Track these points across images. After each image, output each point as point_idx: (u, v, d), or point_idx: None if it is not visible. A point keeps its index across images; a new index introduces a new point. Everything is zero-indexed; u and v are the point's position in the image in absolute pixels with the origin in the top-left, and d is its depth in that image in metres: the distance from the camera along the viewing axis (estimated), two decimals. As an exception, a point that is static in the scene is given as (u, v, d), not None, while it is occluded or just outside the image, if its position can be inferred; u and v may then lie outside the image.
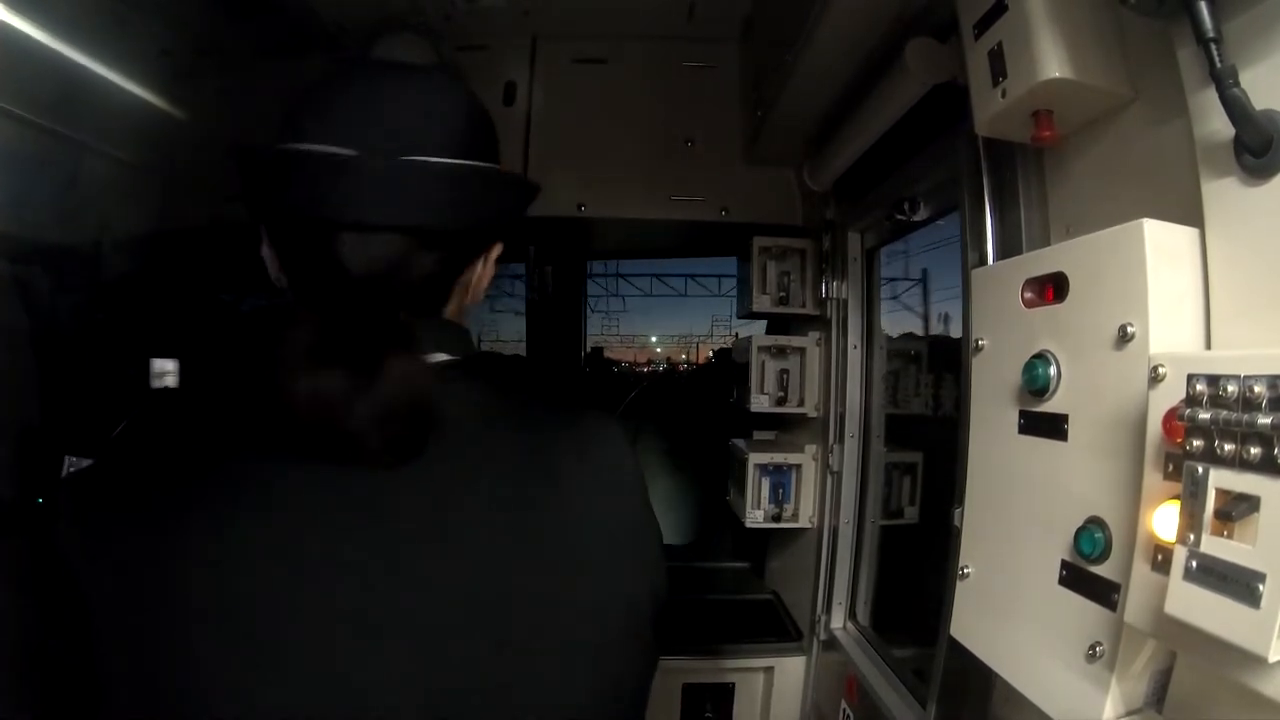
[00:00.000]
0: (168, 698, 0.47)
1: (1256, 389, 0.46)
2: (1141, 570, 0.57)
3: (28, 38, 1.38)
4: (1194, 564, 0.49)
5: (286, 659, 0.48)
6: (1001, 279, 0.79)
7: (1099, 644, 0.63)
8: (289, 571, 0.50)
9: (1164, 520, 0.54)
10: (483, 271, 0.69)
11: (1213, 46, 0.54)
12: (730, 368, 2.12)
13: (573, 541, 0.59)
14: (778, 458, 1.90)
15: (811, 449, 1.90)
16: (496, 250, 0.70)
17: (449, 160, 0.61)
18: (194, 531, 0.50)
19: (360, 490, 0.53)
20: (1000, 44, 0.79)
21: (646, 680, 0.66)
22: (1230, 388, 0.47)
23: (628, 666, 0.63)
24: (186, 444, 0.57)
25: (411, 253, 0.59)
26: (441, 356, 0.62)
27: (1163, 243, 0.60)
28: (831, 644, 1.75)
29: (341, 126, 0.58)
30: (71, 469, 1.59)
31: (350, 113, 0.59)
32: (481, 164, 0.64)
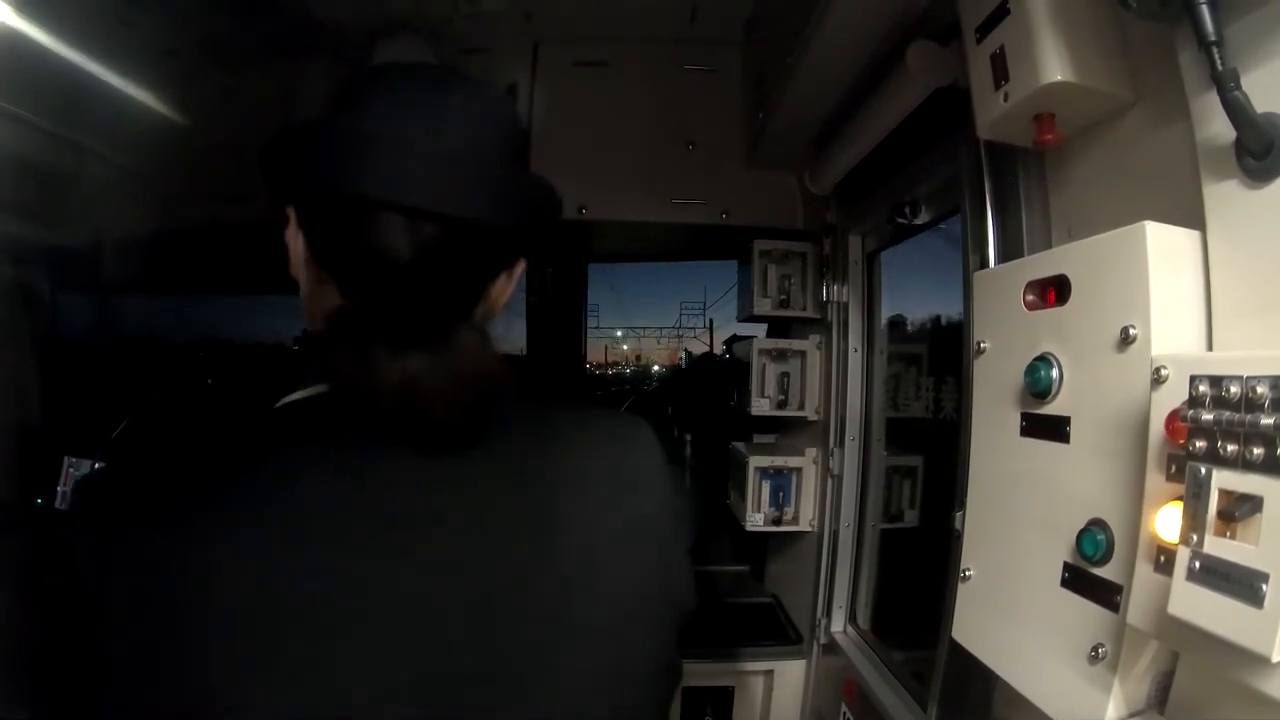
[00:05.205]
0: (176, 696, 0.47)
1: (1259, 390, 0.46)
2: (1144, 571, 0.57)
3: (30, 37, 1.39)
4: (1197, 564, 0.49)
5: (293, 659, 0.48)
6: (1003, 282, 0.79)
7: (1101, 645, 0.63)
8: (298, 572, 0.50)
9: (1166, 521, 0.54)
10: (505, 285, 0.69)
11: (1214, 50, 0.54)
12: (729, 369, 2.12)
13: (597, 549, 0.58)
14: (778, 461, 1.91)
15: (812, 452, 1.90)
16: (521, 266, 0.70)
17: (501, 162, 0.63)
18: (206, 534, 0.50)
19: (371, 491, 0.53)
20: (1002, 47, 0.80)
21: (670, 694, 0.65)
22: (1233, 389, 0.48)
23: (652, 680, 0.61)
24: (196, 447, 0.57)
25: (456, 246, 0.59)
26: None
27: (1164, 245, 0.61)
28: (832, 647, 1.75)
29: (407, 114, 0.59)
30: (72, 470, 1.59)
31: (416, 105, 0.60)
32: (526, 174, 0.66)
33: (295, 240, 0.63)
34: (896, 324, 1.87)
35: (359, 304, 0.57)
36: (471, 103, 0.62)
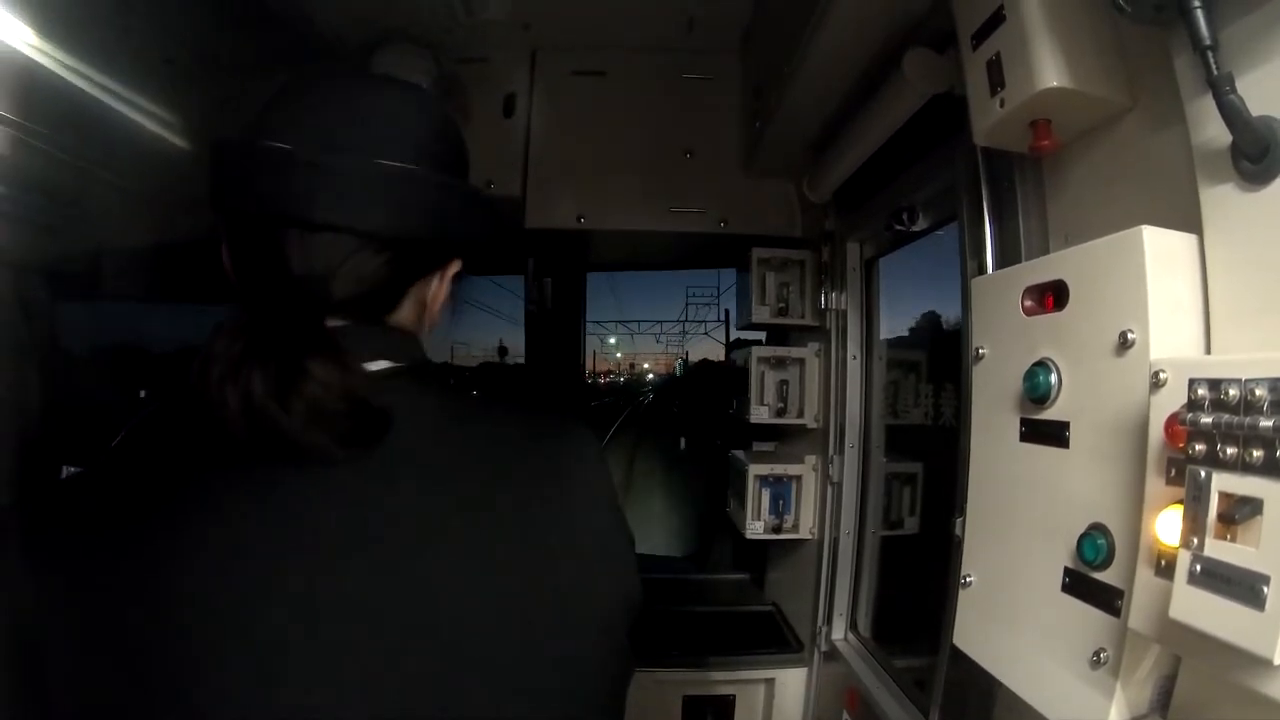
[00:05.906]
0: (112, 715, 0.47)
1: (1258, 392, 0.46)
2: (1145, 575, 0.57)
3: (28, 44, 1.39)
4: (1198, 568, 0.49)
5: (234, 676, 0.48)
6: (1001, 288, 0.79)
7: (1103, 650, 0.62)
8: (233, 588, 0.50)
9: (1167, 525, 0.54)
10: (438, 289, 0.67)
11: (1209, 53, 0.54)
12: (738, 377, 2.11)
13: (534, 547, 0.58)
14: (778, 469, 1.90)
15: (811, 460, 1.89)
16: (453, 268, 0.68)
17: (400, 164, 0.60)
18: (141, 551, 0.50)
19: (302, 502, 0.53)
20: (998, 54, 0.80)
21: (621, 690, 0.65)
22: (1232, 391, 0.48)
23: (599, 676, 0.61)
24: (144, 460, 0.57)
25: (355, 254, 0.58)
26: (382, 364, 0.60)
27: (1162, 249, 0.61)
28: (832, 655, 1.74)
29: (298, 126, 0.59)
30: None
31: (308, 114, 0.60)
32: (438, 174, 0.63)
33: (225, 254, 0.63)
34: (904, 333, 1.87)
35: (227, 322, 0.55)
36: (381, 110, 0.62)
